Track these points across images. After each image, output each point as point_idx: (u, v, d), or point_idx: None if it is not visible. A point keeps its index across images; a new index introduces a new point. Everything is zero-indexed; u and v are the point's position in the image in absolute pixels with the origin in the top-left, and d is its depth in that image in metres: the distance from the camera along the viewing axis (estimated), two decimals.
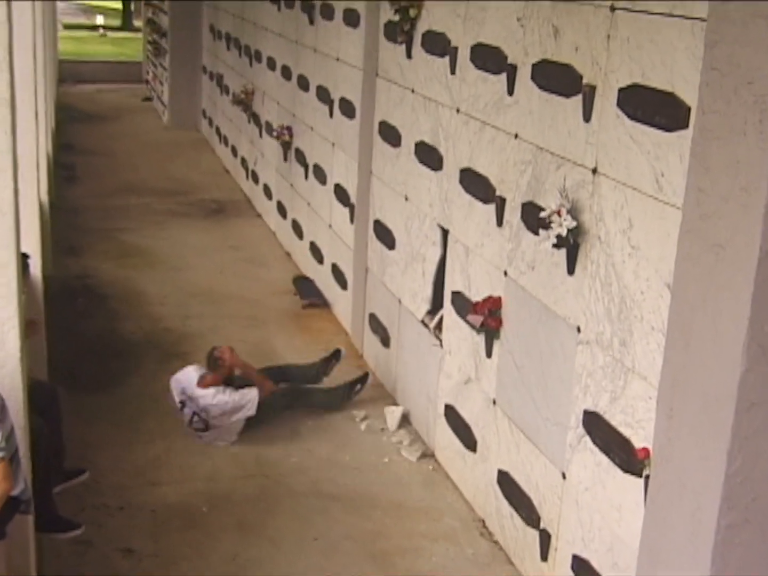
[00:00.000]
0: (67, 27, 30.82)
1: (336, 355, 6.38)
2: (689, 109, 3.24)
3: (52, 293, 6.97)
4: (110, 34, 31.80)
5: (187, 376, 5.69)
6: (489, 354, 4.86)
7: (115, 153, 13.46)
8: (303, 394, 6.09)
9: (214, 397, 5.54)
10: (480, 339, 4.92)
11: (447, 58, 5.31)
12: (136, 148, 13.90)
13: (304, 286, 8.22)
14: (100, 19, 33.45)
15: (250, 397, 5.61)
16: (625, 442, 3.68)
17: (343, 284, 7.42)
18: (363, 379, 6.26)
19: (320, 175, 8.03)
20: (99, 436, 5.66)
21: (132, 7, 33.74)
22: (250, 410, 5.61)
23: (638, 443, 3.59)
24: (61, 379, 5.94)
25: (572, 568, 4.12)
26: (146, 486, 5.21)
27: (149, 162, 12.99)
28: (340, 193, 7.45)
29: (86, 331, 7.19)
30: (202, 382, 5.60)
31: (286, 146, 9.06)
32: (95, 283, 8.19)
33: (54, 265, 8.16)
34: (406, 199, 6.04)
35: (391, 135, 6.29)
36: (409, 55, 5.95)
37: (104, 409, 6.00)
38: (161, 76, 16.71)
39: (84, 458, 5.29)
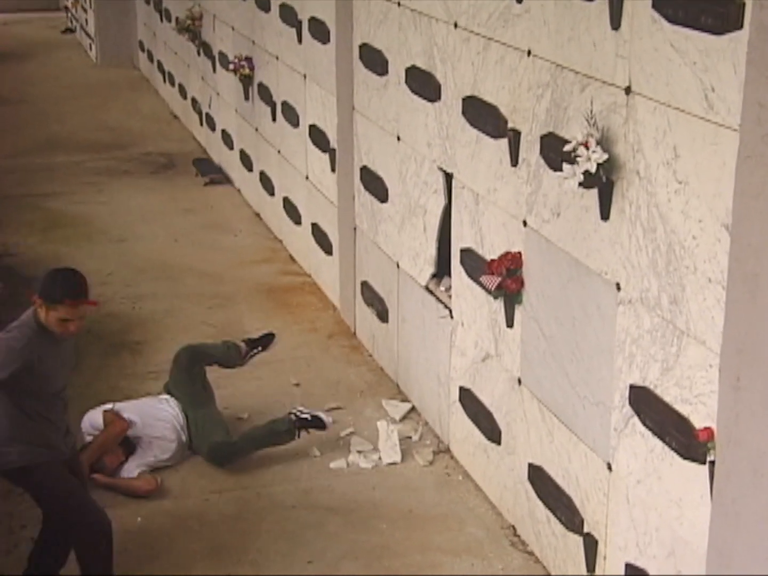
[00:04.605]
0: None
1: (265, 340, 6.28)
2: (743, 4, 3.22)
3: None
4: None
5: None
6: (510, 323, 4.86)
7: (34, 100, 13.38)
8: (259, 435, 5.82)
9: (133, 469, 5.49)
10: (498, 305, 4.92)
11: None
12: (59, 92, 13.82)
13: (202, 164, 10.46)
14: None
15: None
16: (682, 422, 3.70)
17: (327, 248, 7.42)
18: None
19: (291, 116, 8.00)
20: None
21: None
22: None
23: (699, 422, 3.60)
24: None
25: None
26: None
27: (77, 109, 12.92)
28: (317, 136, 7.42)
29: (11, 322, 7.16)
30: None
31: (246, 81, 9.01)
32: (19, 263, 8.17)
33: None
34: (399, 138, 6.02)
35: (375, 60, 6.25)
36: None
37: None
38: (84, 2, 16.57)
39: None
